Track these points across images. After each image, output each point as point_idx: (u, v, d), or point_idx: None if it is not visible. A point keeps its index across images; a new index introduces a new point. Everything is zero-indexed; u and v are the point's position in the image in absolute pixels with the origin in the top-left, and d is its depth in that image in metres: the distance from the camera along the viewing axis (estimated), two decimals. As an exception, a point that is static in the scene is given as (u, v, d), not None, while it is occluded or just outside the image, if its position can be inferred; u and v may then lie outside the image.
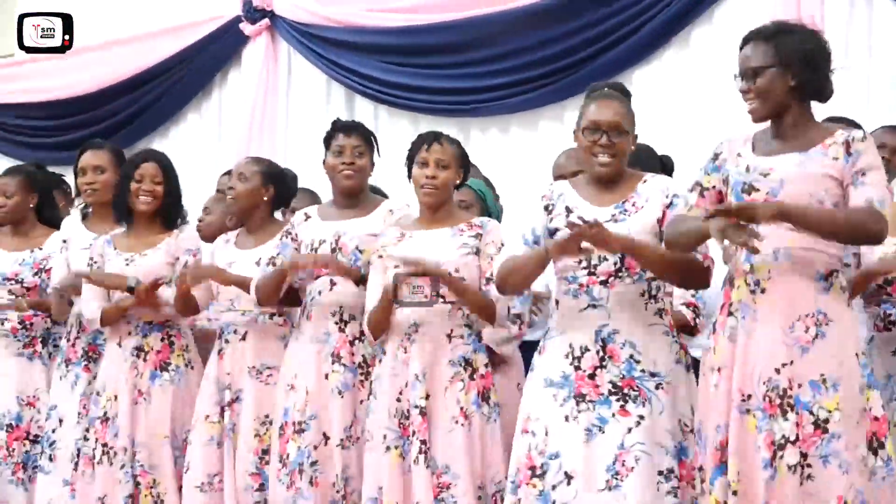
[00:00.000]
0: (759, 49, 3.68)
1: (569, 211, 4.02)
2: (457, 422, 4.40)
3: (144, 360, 5.29)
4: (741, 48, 3.73)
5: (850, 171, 3.62)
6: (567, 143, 4.31)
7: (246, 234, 5.23)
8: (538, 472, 3.91)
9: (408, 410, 4.45)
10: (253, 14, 7.82)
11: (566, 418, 3.90)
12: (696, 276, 3.93)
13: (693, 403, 3.93)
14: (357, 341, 4.78)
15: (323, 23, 7.58)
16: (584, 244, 3.78)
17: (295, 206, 5.73)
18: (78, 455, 5.41)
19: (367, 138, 4.91)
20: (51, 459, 5.55)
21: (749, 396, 3.58)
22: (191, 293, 5.14)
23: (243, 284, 5.06)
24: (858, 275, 4.33)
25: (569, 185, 4.11)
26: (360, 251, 4.79)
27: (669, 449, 3.86)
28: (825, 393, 3.56)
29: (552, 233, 4.02)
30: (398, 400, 4.48)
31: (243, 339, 5.13)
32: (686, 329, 4.57)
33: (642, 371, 3.90)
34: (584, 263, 3.94)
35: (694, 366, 4.02)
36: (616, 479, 3.81)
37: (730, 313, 3.67)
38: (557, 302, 4.03)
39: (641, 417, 3.85)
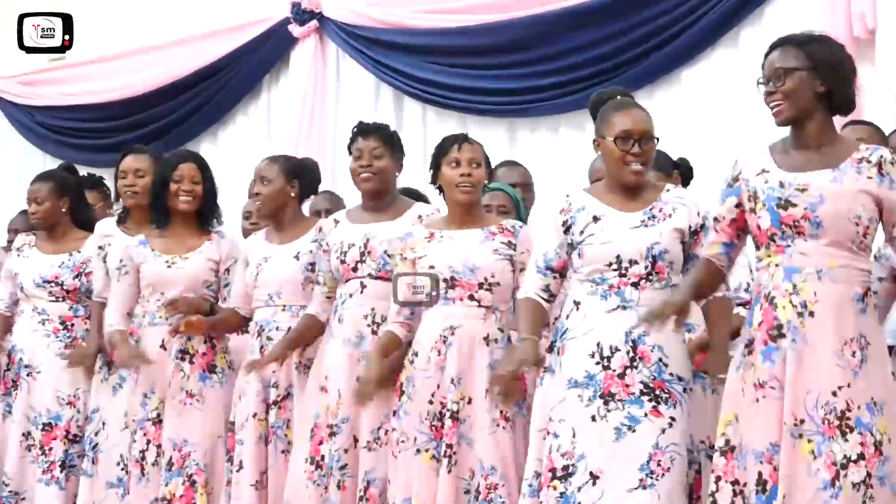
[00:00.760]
0: (790, 53, 3.72)
1: (596, 219, 4.07)
2: (498, 425, 4.42)
3: (191, 362, 5.37)
4: (767, 55, 3.77)
5: (886, 193, 3.65)
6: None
7: (278, 230, 5.28)
8: (559, 473, 3.97)
9: (440, 413, 4.49)
10: (301, 16, 7.86)
11: (593, 418, 3.96)
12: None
13: (705, 416, 4.03)
14: None
15: (371, 24, 7.62)
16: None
17: (318, 207, 5.79)
18: (125, 457, 5.51)
19: (386, 140, 4.94)
20: (93, 462, 5.64)
21: (802, 421, 3.58)
22: (222, 316, 5.28)
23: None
24: None
25: (587, 194, 4.20)
26: (389, 255, 4.83)
27: (701, 450, 3.97)
28: (877, 415, 3.59)
29: (573, 246, 4.11)
30: (430, 402, 4.52)
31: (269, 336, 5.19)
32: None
33: (671, 374, 3.96)
34: (616, 265, 4.01)
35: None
36: (651, 478, 3.87)
37: (780, 335, 3.65)
38: (577, 303, 4.08)
39: (673, 419, 3.92)
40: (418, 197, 5.29)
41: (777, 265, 3.67)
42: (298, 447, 4.97)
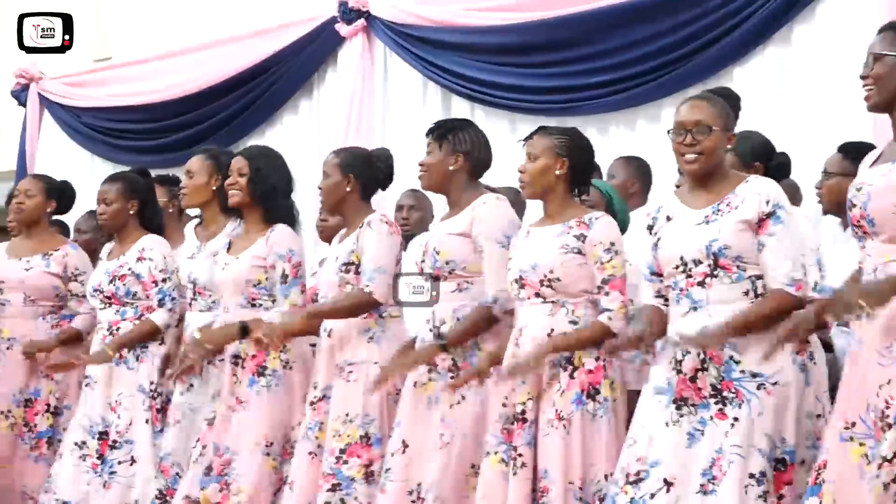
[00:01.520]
0: (888, 38, 3.67)
1: (668, 219, 4.09)
2: (552, 426, 4.39)
3: (242, 366, 5.40)
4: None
5: None
6: (666, 143, 4.34)
7: (346, 226, 5.32)
8: (632, 478, 3.98)
9: (512, 415, 4.49)
10: (349, 14, 7.90)
11: (667, 424, 3.98)
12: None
13: (811, 402, 3.96)
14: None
15: (419, 22, 7.65)
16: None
17: (402, 202, 5.80)
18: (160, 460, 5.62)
19: (437, 136, 4.94)
20: (127, 462, 5.81)
21: (853, 424, 3.56)
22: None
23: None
24: None
25: (674, 193, 4.22)
26: (437, 252, 4.84)
27: (765, 451, 3.89)
28: None
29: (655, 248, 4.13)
30: (504, 405, 4.53)
31: (329, 335, 5.22)
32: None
33: (742, 372, 3.93)
34: (682, 267, 4.03)
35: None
36: (712, 483, 3.87)
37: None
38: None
39: (736, 419, 3.90)
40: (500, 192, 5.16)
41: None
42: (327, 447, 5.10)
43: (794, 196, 5.38)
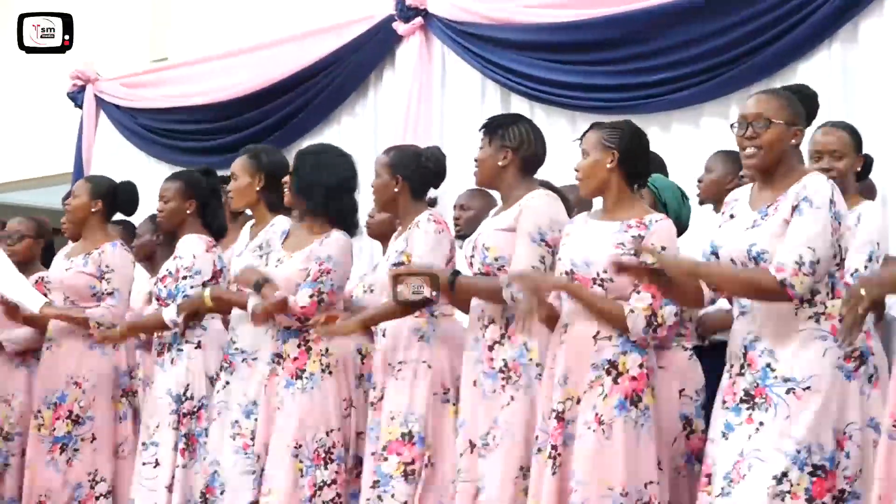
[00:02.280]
0: None
1: (732, 217, 4.06)
2: (589, 427, 4.37)
3: (283, 367, 5.43)
4: None
5: None
6: (730, 140, 4.30)
7: (399, 227, 5.34)
8: (704, 480, 4.05)
9: (553, 413, 4.49)
10: (406, 13, 7.90)
11: (718, 427, 4.02)
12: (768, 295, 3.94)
13: (853, 411, 3.91)
14: (497, 345, 4.81)
15: (477, 20, 7.65)
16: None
17: (463, 203, 5.79)
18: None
19: (488, 132, 4.96)
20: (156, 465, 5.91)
21: None
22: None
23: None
24: None
25: (747, 188, 4.19)
26: (487, 248, 4.84)
27: (792, 455, 3.85)
28: None
29: None
30: (550, 400, 4.53)
31: (384, 335, 5.24)
32: None
33: (775, 377, 3.92)
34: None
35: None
36: (730, 486, 3.88)
37: None
38: None
39: (762, 423, 3.89)
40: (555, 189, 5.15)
41: None
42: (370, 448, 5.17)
43: (871, 193, 5.38)
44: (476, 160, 4.96)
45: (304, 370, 5.39)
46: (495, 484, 4.67)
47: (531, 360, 4.74)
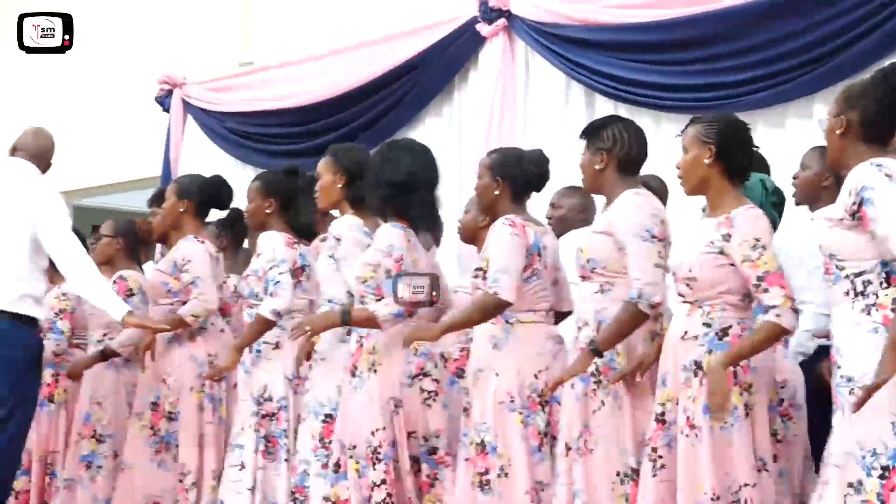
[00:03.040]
0: None
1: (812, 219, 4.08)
2: (682, 431, 4.35)
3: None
4: None
5: None
6: (814, 140, 4.29)
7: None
8: None
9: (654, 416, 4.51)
10: (489, 14, 7.91)
11: None
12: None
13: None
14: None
15: (561, 21, 7.65)
16: None
17: (555, 202, 5.81)
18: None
19: (584, 137, 4.99)
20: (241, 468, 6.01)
21: None
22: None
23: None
24: None
25: None
26: (581, 251, 4.87)
27: (859, 459, 3.83)
28: None
29: None
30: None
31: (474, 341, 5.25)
32: None
33: (841, 377, 3.92)
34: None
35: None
36: (822, 490, 3.92)
37: None
38: None
39: (836, 427, 3.91)
40: (647, 185, 5.15)
41: None
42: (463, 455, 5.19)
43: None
44: (580, 167, 5.00)
45: (357, 367, 5.43)
46: (590, 489, 4.70)
47: (620, 364, 4.75)
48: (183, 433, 6.42)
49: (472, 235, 6.06)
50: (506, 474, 4.98)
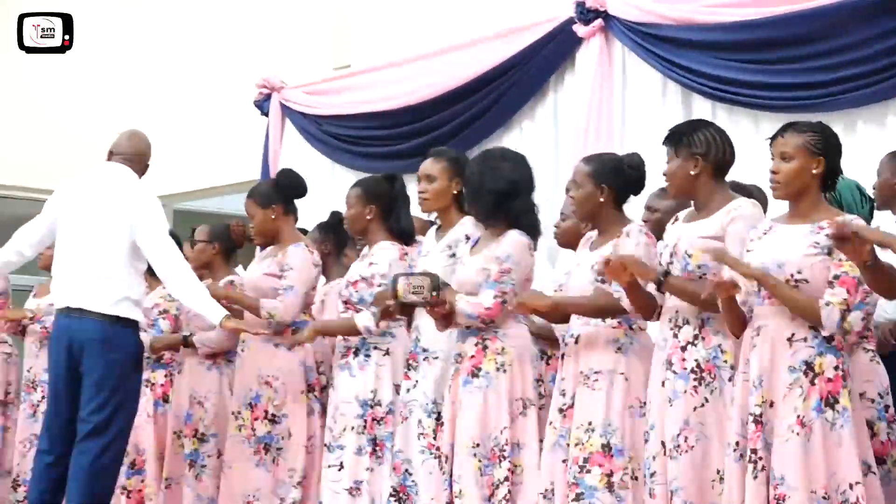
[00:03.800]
0: None
1: None
2: (793, 431, 4.36)
3: (462, 366, 5.49)
4: None
5: None
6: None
7: (598, 235, 5.35)
8: None
9: (749, 418, 4.48)
10: (586, 15, 7.89)
11: None
12: None
13: None
14: (690, 346, 4.81)
15: (657, 21, 7.63)
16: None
17: (651, 205, 5.80)
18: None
19: (673, 143, 4.97)
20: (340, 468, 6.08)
21: None
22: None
23: None
24: None
25: None
26: (689, 255, 4.83)
27: None
28: None
29: None
30: (742, 407, 4.53)
31: (577, 341, 5.26)
32: None
33: None
34: None
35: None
36: None
37: None
38: None
39: None
40: (750, 194, 5.16)
41: None
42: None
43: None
44: (665, 174, 4.98)
45: (480, 368, 5.46)
46: (693, 487, 4.69)
47: (725, 361, 4.75)
48: (294, 437, 6.56)
49: (573, 241, 6.05)
50: (634, 477, 5.04)
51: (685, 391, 4.76)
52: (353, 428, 6.07)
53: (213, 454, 7.01)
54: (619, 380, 5.10)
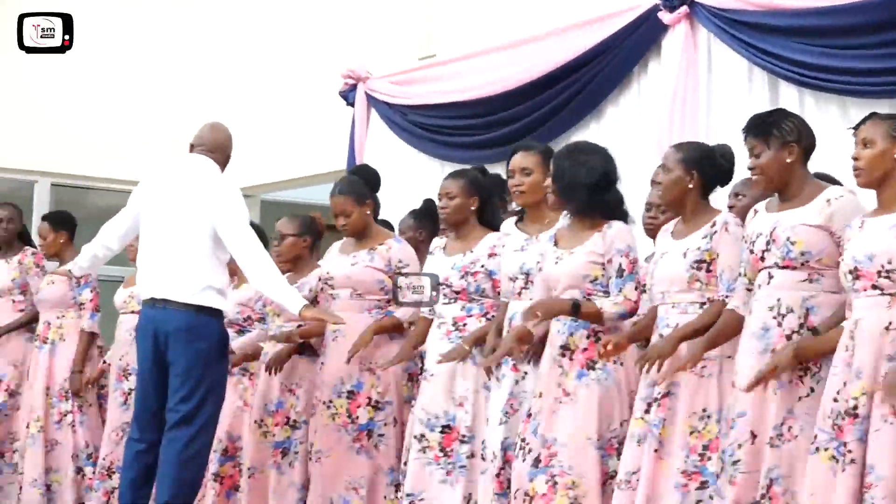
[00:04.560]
0: None
1: None
2: (886, 420, 4.31)
3: (571, 358, 5.47)
4: None
5: None
6: None
7: (683, 223, 5.32)
8: None
9: (844, 411, 4.44)
10: (672, 2, 7.85)
11: None
12: None
13: None
14: (795, 335, 4.77)
15: (743, 6, 7.56)
16: None
17: (738, 191, 5.77)
18: (504, 452, 5.70)
19: (761, 133, 4.92)
20: (471, 456, 5.96)
21: None
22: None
23: None
24: None
25: None
26: (792, 242, 4.78)
27: None
28: None
29: None
30: (835, 401, 4.48)
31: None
32: None
33: None
34: None
35: None
36: None
37: None
38: None
39: None
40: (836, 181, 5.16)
41: None
42: (679, 445, 5.11)
43: None
44: (755, 167, 4.94)
45: (596, 361, 5.47)
46: (794, 475, 4.65)
47: None
48: (399, 424, 6.67)
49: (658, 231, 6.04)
50: None
51: (791, 381, 4.73)
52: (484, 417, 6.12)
53: (305, 441, 7.06)
54: (728, 363, 5.06)
